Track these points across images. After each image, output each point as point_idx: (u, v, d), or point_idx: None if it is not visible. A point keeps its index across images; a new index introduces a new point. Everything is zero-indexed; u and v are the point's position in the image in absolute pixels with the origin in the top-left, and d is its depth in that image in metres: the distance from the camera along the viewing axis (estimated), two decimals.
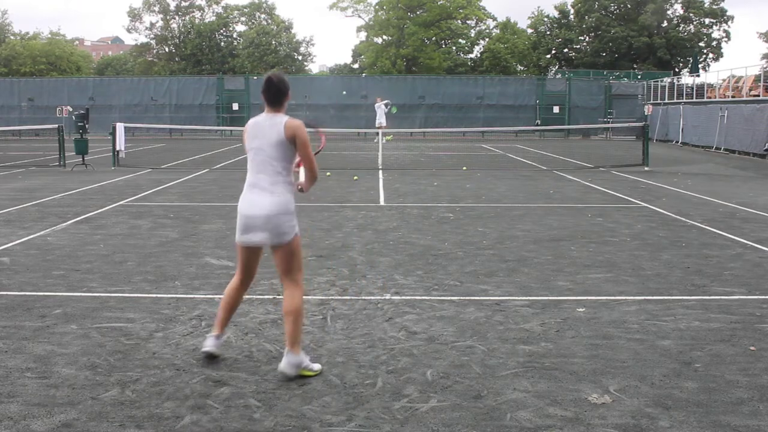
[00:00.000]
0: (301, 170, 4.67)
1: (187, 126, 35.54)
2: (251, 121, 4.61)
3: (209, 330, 5.36)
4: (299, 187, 4.62)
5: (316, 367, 4.53)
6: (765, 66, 41.75)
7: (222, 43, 63.66)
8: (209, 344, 4.73)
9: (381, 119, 31.17)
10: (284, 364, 4.42)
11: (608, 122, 36.21)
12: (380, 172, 17.88)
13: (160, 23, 62.82)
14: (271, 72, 4.65)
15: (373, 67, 58.99)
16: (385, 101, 31.72)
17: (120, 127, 19.56)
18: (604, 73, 46.53)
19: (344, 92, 34.85)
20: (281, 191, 4.45)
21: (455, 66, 59.02)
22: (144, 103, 39.83)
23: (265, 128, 4.48)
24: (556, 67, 60.11)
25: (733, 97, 28.88)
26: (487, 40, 61.49)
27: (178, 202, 12.40)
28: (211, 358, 4.71)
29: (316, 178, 4.64)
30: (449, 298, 6.32)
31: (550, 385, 4.34)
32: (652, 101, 36.59)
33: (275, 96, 4.51)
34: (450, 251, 8.29)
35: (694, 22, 57.70)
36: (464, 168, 19.20)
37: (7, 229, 9.62)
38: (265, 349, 4.97)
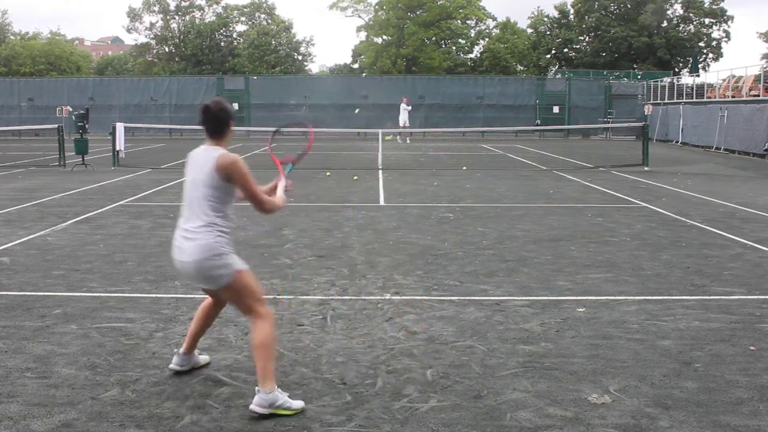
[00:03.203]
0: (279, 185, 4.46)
1: (187, 126, 35.49)
2: (191, 152, 4.21)
3: (209, 330, 5.36)
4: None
5: (297, 404, 4.01)
6: (765, 66, 41.77)
7: (222, 43, 63.65)
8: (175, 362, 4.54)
9: (403, 120, 31.68)
10: (257, 401, 3.97)
11: (608, 122, 36.21)
12: (380, 172, 17.88)
13: (160, 23, 62.81)
14: (211, 100, 4.24)
15: (373, 67, 58.99)
16: (407, 102, 32.25)
17: (120, 127, 19.55)
18: (604, 73, 46.51)
19: (357, 110, 34.44)
20: (207, 232, 4.02)
21: (455, 66, 59.00)
22: (144, 103, 39.82)
23: (200, 160, 4.10)
24: (556, 67, 60.10)
25: (733, 97, 28.87)
26: (487, 40, 61.46)
27: (178, 202, 12.37)
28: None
29: (267, 211, 4.26)
30: (449, 298, 6.32)
31: (550, 385, 4.34)
32: (652, 101, 36.59)
33: (214, 126, 4.14)
34: (450, 251, 8.29)
35: (694, 22, 57.70)
36: (464, 168, 19.19)
37: (7, 229, 9.62)
38: None
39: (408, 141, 32.16)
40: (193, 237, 4.02)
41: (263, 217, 10.71)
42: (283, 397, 3.97)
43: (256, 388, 3.99)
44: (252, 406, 3.95)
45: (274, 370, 4.05)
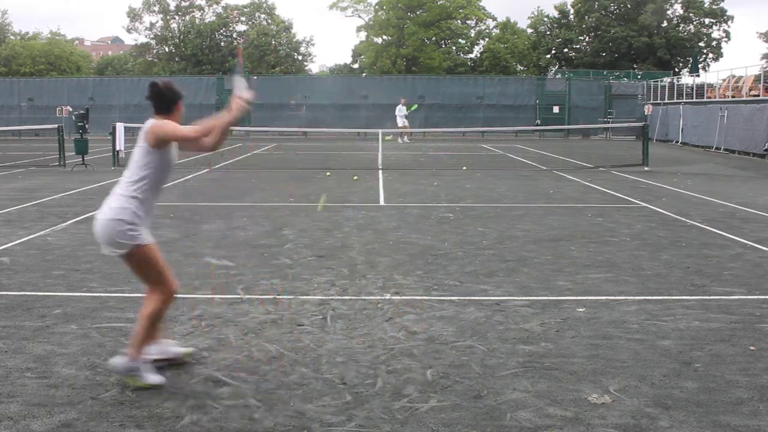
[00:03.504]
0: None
1: None
2: None
3: (209, 330, 5.37)
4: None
5: (153, 379, 4.28)
6: (765, 66, 41.77)
7: (222, 43, 63.66)
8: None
9: (400, 121, 31.66)
10: (117, 359, 4.36)
11: (608, 122, 36.22)
12: (380, 172, 17.88)
13: (160, 23, 62.83)
14: (161, 80, 4.49)
15: (373, 67, 59.02)
16: (403, 104, 32.15)
17: (120, 126, 19.56)
18: (604, 73, 46.51)
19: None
20: (120, 197, 4.28)
21: (455, 66, 59.02)
22: (144, 103, 39.18)
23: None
24: (556, 67, 60.11)
25: (733, 97, 28.87)
26: (487, 40, 61.49)
27: (177, 202, 12.39)
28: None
29: (208, 136, 4.39)
30: (449, 298, 6.32)
31: (550, 385, 4.34)
32: (652, 101, 36.59)
33: (158, 103, 4.38)
34: (450, 251, 8.29)
35: (694, 22, 57.72)
36: (464, 168, 19.19)
37: (7, 229, 9.62)
38: (265, 349, 4.97)
39: (407, 139, 32.11)
40: (111, 198, 4.30)
41: (263, 217, 10.73)
42: (143, 369, 4.24)
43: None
44: (112, 360, 4.41)
45: (143, 344, 4.30)
